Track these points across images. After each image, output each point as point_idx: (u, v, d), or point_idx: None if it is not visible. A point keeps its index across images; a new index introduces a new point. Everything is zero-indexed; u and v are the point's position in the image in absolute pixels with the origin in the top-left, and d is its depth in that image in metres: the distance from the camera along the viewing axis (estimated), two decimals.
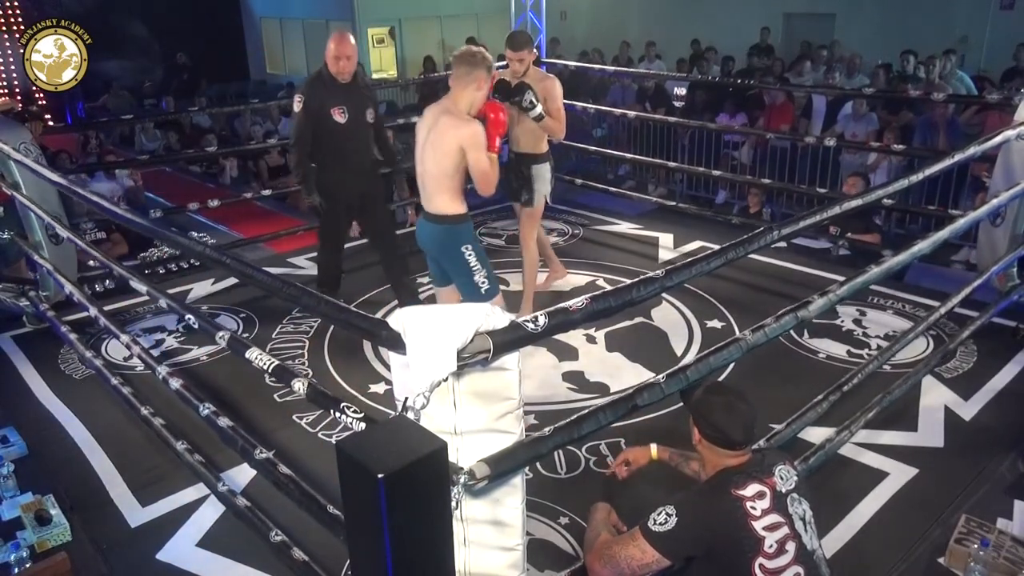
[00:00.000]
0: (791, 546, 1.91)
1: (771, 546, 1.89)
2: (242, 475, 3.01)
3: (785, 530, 1.92)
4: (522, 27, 6.67)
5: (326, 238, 4.43)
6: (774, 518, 1.92)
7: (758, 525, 1.90)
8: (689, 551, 1.95)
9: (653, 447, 2.66)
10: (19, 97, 4.41)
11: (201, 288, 4.90)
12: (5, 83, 10.21)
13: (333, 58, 4.00)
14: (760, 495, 1.93)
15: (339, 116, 4.02)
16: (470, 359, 1.59)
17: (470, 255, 3.25)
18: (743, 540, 1.89)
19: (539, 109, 3.89)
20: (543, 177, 4.24)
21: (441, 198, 3.21)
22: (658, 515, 1.96)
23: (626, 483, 2.69)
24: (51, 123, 6.38)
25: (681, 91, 9.47)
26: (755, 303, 4.38)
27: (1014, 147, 3.81)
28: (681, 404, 3.28)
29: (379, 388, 3.70)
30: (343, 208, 4.28)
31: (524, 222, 4.30)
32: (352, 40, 4.05)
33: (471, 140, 3.08)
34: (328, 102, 4.00)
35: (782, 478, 2.00)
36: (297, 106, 4.02)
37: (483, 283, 3.29)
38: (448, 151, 3.12)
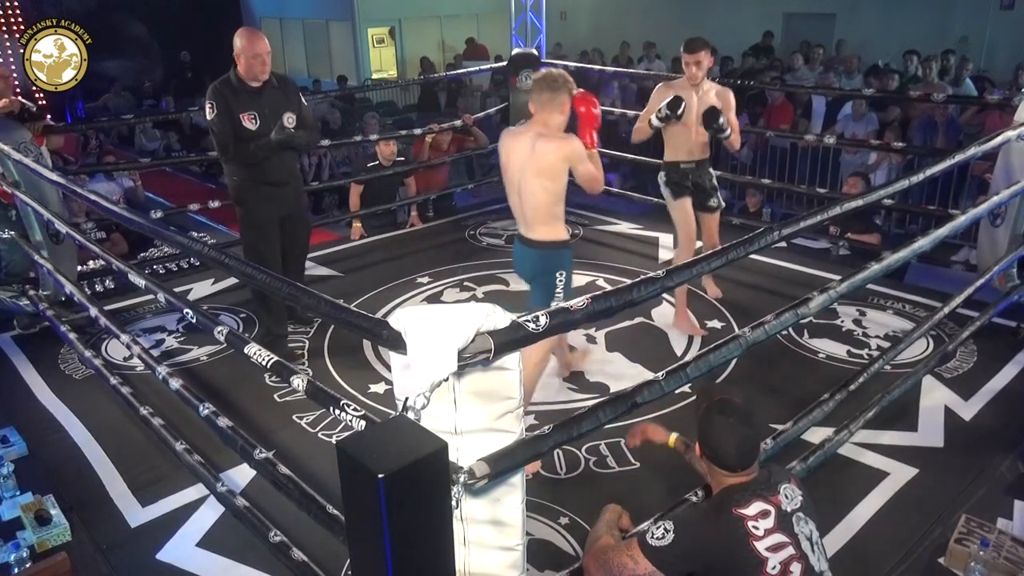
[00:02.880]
0: (796, 568, 1.87)
1: (775, 567, 1.84)
2: (242, 475, 3.01)
3: (790, 551, 1.88)
4: (521, 27, 6.67)
5: (256, 261, 3.76)
6: (778, 538, 1.88)
7: (760, 545, 1.85)
8: (685, 568, 1.92)
9: (673, 435, 2.58)
10: (21, 98, 4.41)
11: (201, 288, 4.90)
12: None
13: (249, 57, 3.68)
14: (764, 514, 1.89)
15: (249, 123, 3.72)
16: (471, 359, 1.59)
17: (560, 282, 3.19)
18: (744, 560, 1.85)
19: (728, 131, 3.89)
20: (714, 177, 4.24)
21: (546, 225, 3.15)
22: (656, 529, 1.93)
23: (636, 483, 2.66)
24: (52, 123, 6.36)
25: None
26: (755, 303, 4.38)
27: (1014, 148, 3.81)
28: (681, 404, 3.32)
29: (379, 388, 3.70)
30: (269, 225, 3.90)
31: (715, 227, 4.24)
32: (266, 39, 3.77)
33: (576, 155, 3.04)
34: (236, 108, 3.70)
35: (787, 497, 1.95)
36: (210, 113, 3.69)
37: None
38: (556, 174, 3.06)
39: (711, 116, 3.82)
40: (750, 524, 1.87)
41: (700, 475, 2.52)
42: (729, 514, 1.89)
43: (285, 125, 3.73)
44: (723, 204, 4.27)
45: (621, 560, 1.97)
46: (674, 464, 2.68)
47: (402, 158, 6.09)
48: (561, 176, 3.07)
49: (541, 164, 3.04)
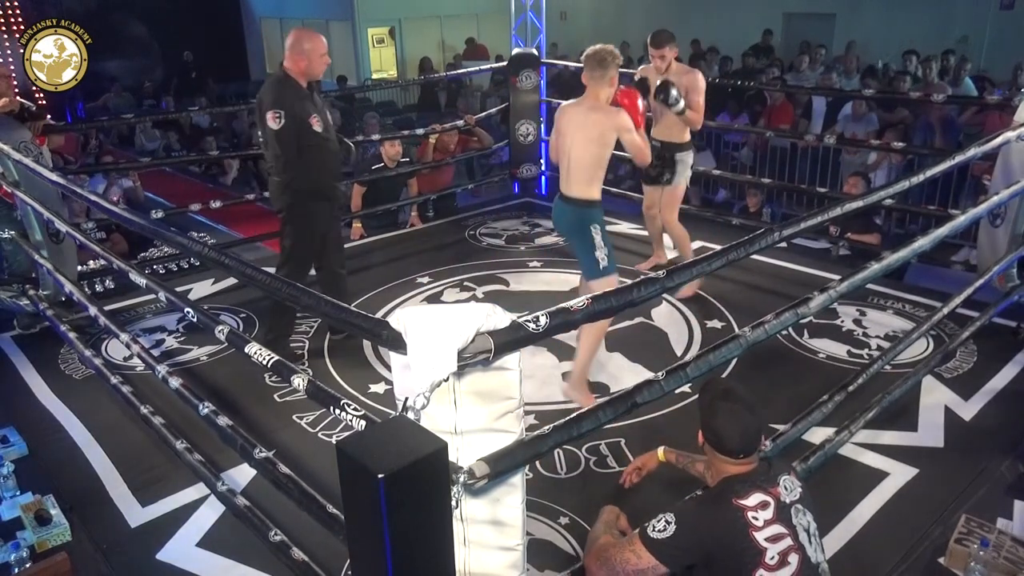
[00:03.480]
0: (794, 558, 1.89)
1: (773, 558, 1.86)
2: (242, 475, 3.01)
3: (788, 541, 1.89)
4: (522, 27, 6.67)
5: (298, 271, 3.80)
6: (777, 529, 1.89)
7: (760, 536, 1.87)
8: (687, 559, 1.93)
9: (660, 450, 2.67)
10: (20, 98, 4.42)
11: (201, 288, 4.90)
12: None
13: (319, 56, 3.61)
14: (763, 505, 1.91)
15: (317, 125, 3.63)
16: (471, 359, 1.59)
17: (596, 234, 3.55)
18: (744, 550, 1.86)
19: (682, 104, 4.21)
20: (685, 163, 4.57)
21: (587, 185, 3.55)
22: (658, 522, 1.94)
23: (635, 485, 2.68)
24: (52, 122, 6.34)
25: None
26: (755, 303, 4.38)
27: (1014, 148, 3.81)
28: (681, 404, 3.32)
29: (379, 388, 3.70)
30: (319, 231, 3.87)
31: (666, 204, 4.70)
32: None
33: (624, 126, 3.46)
34: (303, 111, 3.59)
35: (786, 488, 1.97)
36: (277, 123, 3.51)
37: (603, 260, 3.55)
38: (605, 142, 3.47)
39: (660, 88, 4.20)
40: (750, 515, 1.88)
41: (698, 477, 2.54)
42: (729, 504, 1.91)
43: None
44: (674, 182, 4.60)
45: (624, 556, 1.97)
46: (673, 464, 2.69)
47: (407, 159, 6.08)
48: (609, 144, 3.48)
49: (593, 132, 3.46)
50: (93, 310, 3.53)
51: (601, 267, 3.54)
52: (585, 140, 3.46)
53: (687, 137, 4.53)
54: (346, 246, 5.59)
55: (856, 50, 9.81)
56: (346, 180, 6.41)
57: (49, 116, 4.98)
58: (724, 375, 3.55)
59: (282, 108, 3.54)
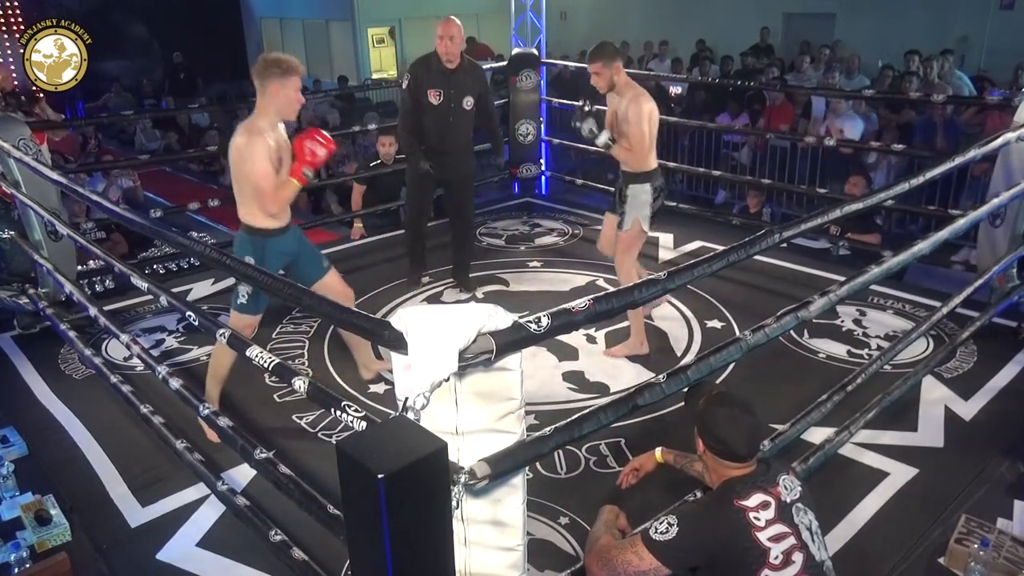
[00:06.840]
0: (798, 557, 1.89)
1: (777, 557, 1.87)
2: (242, 475, 3.01)
3: (791, 540, 1.90)
4: (522, 27, 6.67)
5: (412, 215, 4.84)
6: (779, 528, 1.90)
7: (762, 536, 1.88)
8: (690, 561, 1.94)
9: (658, 451, 2.67)
10: (19, 93, 4.44)
11: (201, 288, 4.90)
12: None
13: (437, 38, 4.43)
14: (764, 505, 1.91)
15: (434, 98, 4.37)
16: (472, 360, 1.58)
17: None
18: (747, 551, 1.87)
19: (603, 139, 3.68)
20: (637, 198, 3.72)
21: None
22: (660, 524, 1.95)
23: (634, 486, 2.69)
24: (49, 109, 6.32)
25: (677, 90, 9.48)
26: (755, 303, 4.38)
27: (1014, 149, 3.81)
28: (681, 404, 3.31)
29: (379, 388, 3.70)
30: (430, 186, 4.67)
31: (618, 245, 3.89)
32: (458, 23, 4.46)
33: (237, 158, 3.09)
34: (425, 84, 4.37)
35: (786, 488, 1.97)
36: (404, 84, 4.48)
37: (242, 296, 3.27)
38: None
39: (580, 116, 3.80)
40: (751, 515, 1.89)
41: (696, 478, 2.54)
42: (730, 506, 1.91)
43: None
44: (624, 223, 3.80)
45: (625, 557, 1.97)
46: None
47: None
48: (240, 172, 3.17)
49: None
50: (93, 311, 3.52)
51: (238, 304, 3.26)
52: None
53: (646, 166, 3.69)
54: (346, 246, 5.65)
55: (844, 49, 9.79)
56: (343, 178, 6.41)
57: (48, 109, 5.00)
58: (724, 375, 3.56)
59: (409, 75, 4.44)
